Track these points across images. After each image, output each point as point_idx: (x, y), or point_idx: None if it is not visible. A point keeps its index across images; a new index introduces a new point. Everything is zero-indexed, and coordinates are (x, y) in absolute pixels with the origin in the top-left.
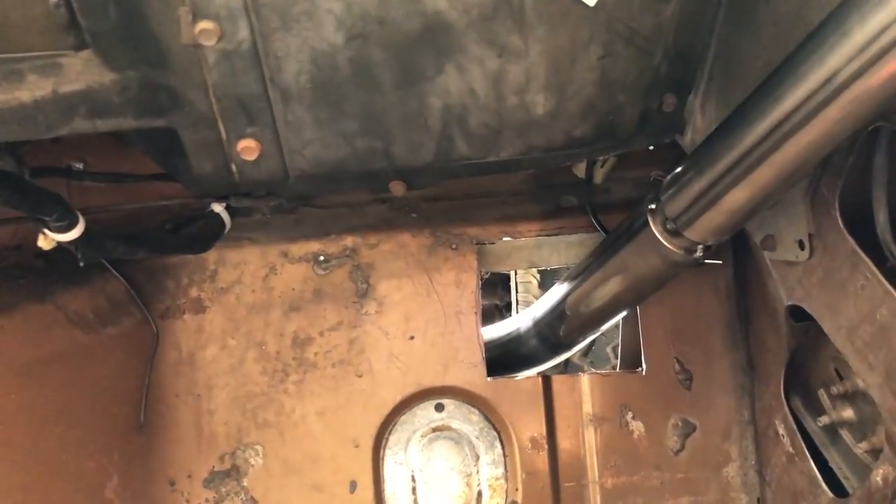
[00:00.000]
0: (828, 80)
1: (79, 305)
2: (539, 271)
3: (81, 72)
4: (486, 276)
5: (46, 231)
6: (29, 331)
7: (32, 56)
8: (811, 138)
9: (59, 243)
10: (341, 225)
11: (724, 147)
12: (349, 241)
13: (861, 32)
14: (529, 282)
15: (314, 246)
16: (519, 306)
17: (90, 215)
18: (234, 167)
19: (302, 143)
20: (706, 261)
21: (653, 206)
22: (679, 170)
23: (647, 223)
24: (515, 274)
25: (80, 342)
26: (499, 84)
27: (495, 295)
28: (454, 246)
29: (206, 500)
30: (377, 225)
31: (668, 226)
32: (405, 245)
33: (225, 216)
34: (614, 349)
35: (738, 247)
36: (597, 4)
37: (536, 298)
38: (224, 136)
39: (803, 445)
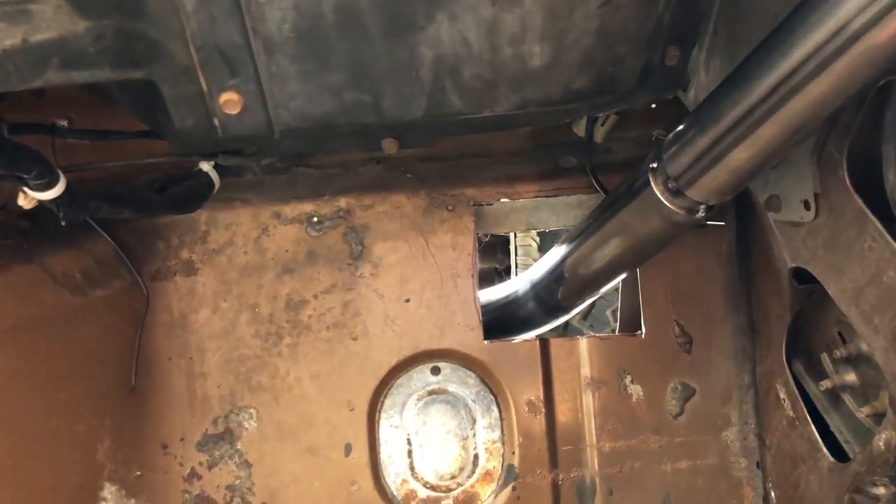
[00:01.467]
0: (838, 32)
1: (66, 267)
2: (539, 234)
3: (53, 19)
4: (486, 240)
5: (26, 189)
6: (15, 292)
7: None
8: (819, 93)
9: (39, 202)
10: (335, 185)
11: (727, 103)
12: (343, 202)
13: None
14: (529, 245)
15: (307, 207)
16: (518, 269)
17: (74, 173)
18: (216, 121)
19: (286, 96)
20: (708, 222)
21: (654, 165)
22: (681, 127)
23: (648, 183)
24: (515, 237)
25: (68, 304)
26: (493, 34)
27: (495, 258)
28: (450, 207)
29: (200, 464)
30: (372, 185)
31: (670, 185)
32: (400, 206)
33: (213, 175)
34: (614, 312)
35: (740, 208)
36: None
37: (534, 241)
38: (205, 88)
39: (804, 409)
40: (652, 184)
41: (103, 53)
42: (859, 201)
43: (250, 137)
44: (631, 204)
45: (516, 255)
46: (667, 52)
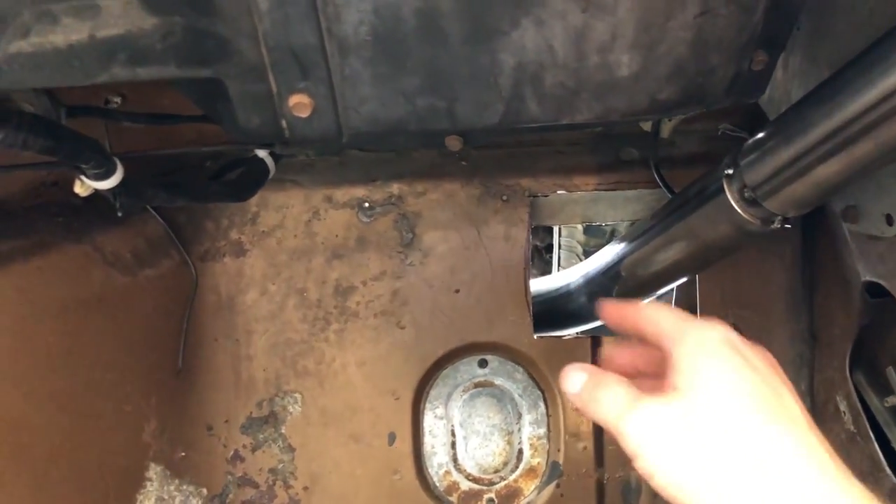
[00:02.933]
0: None
1: (117, 246)
2: None
3: (121, 15)
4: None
5: (83, 178)
6: (66, 271)
7: None
8: None
9: (96, 190)
10: (388, 171)
11: (818, 114)
12: (395, 188)
13: None
14: (574, 226)
15: (359, 192)
16: (562, 251)
17: (127, 158)
18: (284, 123)
19: (358, 100)
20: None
21: (729, 172)
22: (762, 135)
23: (721, 189)
24: None
25: (117, 284)
26: (581, 41)
27: (537, 238)
28: (505, 197)
29: (243, 446)
30: (425, 172)
31: (746, 194)
32: (453, 195)
33: (269, 162)
34: None
35: (807, 213)
36: None
37: (580, 243)
38: (275, 89)
39: (867, 425)
40: (726, 191)
41: (171, 50)
42: None
43: (317, 139)
44: (701, 209)
45: (560, 235)
46: (754, 56)
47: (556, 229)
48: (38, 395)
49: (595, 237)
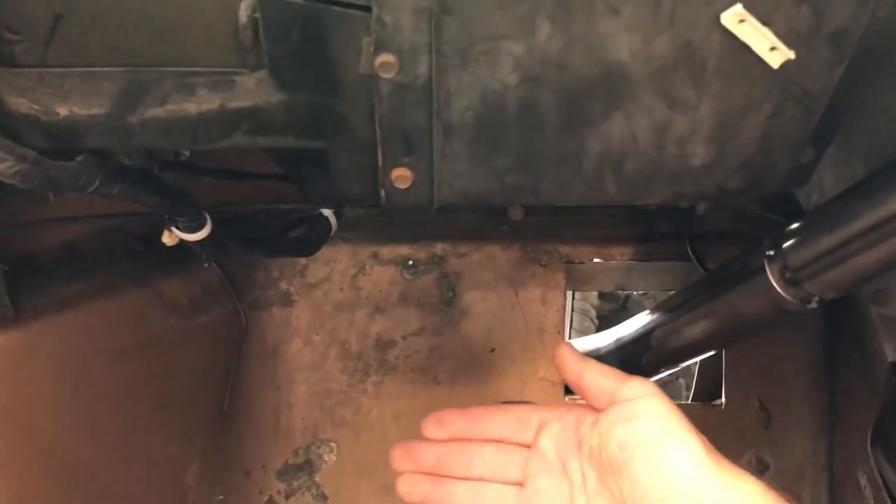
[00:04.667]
0: None
1: (175, 292)
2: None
3: (252, 90)
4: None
5: (174, 229)
6: (128, 314)
7: (208, 72)
8: None
9: (182, 241)
10: (432, 231)
11: (863, 207)
12: (439, 248)
13: None
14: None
15: (404, 250)
16: (574, 314)
17: (212, 209)
18: (382, 192)
19: (453, 175)
20: None
21: (771, 253)
22: (806, 221)
23: (762, 268)
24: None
25: (173, 328)
26: (662, 133)
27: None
28: (543, 262)
29: (278, 492)
30: (468, 234)
31: (787, 275)
32: (494, 257)
33: (332, 220)
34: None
35: None
36: (779, 66)
37: (594, 307)
38: (381, 162)
39: (884, 501)
40: (767, 270)
41: (290, 123)
42: None
43: (410, 208)
44: (740, 286)
45: (573, 298)
46: (804, 150)
47: (570, 292)
48: (95, 433)
49: (609, 302)
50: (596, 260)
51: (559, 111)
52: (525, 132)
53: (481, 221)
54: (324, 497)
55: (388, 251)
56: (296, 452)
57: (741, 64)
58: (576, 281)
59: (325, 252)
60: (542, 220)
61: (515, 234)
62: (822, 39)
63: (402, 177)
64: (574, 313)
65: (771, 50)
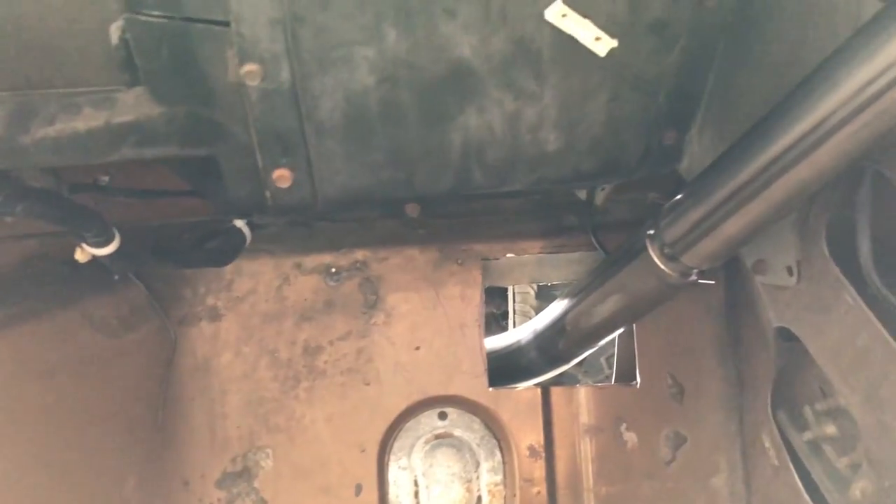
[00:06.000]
0: (817, 126)
1: (103, 312)
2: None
3: (133, 105)
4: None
5: (84, 245)
6: (56, 335)
7: (90, 91)
8: (801, 177)
9: (94, 256)
10: (352, 239)
11: (720, 180)
12: (360, 254)
13: (848, 84)
14: (527, 292)
15: (326, 258)
16: (516, 316)
17: (122, 225)
18: (267, 193)
19: (332, 172)
20: (700, 280)
21: (651, 232)
22: (677, 199)
23: (645, 247)
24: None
25: (103, 347)
26: (514, 123)
27: (492, 304)
28: (460, 261)
29: (218, 500)
30: (387, 240)
31: (666, 251)
32: (413, 259)
33: (246, 231)
34: (608, 359)
35: (729, 267)
36: (607, 54)
37: (533, 308)
38: (261, 164)
39: (788, 459)
40: (649, 249)
41: (173, 134)
42: (836, 269)
43: (296, 207)
44: (629, 266)
45: (514, 301)
46: (665, 134)
47: (510, 296)
48: (29, 452)
49: (547, 301)
50: (510, 255)
51: (418, 107)
52: (391, 128)
53: (399, 227)
54: (263, 502)
55: (310, 261)
56: (233, 461)
57: (573, 54)
58: (492, 276)
59: (249, 265)
60: (456, 222)
61: (432, 236)
62: (643, 28)
63: (282, 177)
64: (516, 315)
65: (596, 40)
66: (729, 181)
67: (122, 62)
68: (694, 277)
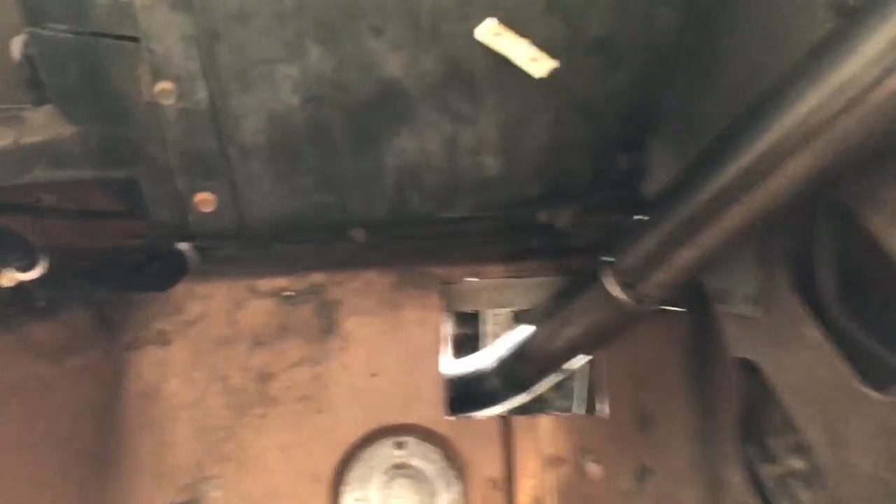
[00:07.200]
0: (770, 150)
1: (43, 336)
2: None
3: (43, 125)
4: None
5: (8, 269)
6: None
7: None
8: (755, 204)
9: (20, 282)
10: (309, 262)
11: (672, 207)
12: (316, 277)
13: (800, 107)
14: (501, 314)
15: (281, 282)
16: (488, 338)
17: (53, 249)
18: (190, 218)
19: (259, 196)
20: (667, 307)
21: (606, 259)
22: (630, 224)
23: (600, 275)
24: None
25: (42, 373)
26: (452, 146)
27: (467, 325)
28: (419, 285)
29: None
30: (344, 262)
31: (622, 279)
32: (371, 283)
33: (190, 255)
34: None
35: (696, 294)
36: (548, 74)
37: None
38: (181, 187)
39: (754, 496)
40: (603, 276)
41: (88, 155)
42: (797, 300)
43: (222, 232)
44: (586, 293)
45: (488, 323)
46: (616, 159)
47: (487, 319)
48: None
49: (525, 324)
50: (470, 279)
51: (347, 129)
52: (320, 151)
53: (357, 249)
54: None
55: (264, 284)
56: (181, 490)
57: (508, 76)
58: (453, 301)
59: (201, 288)
60: (415, 245)
61: (391, 259)
62: (584, 48)
63: (205, 200)
64: (488, 339)
65: (532, 60)
66: (680, 208)
67: (28, 80)
68: (652, 306)
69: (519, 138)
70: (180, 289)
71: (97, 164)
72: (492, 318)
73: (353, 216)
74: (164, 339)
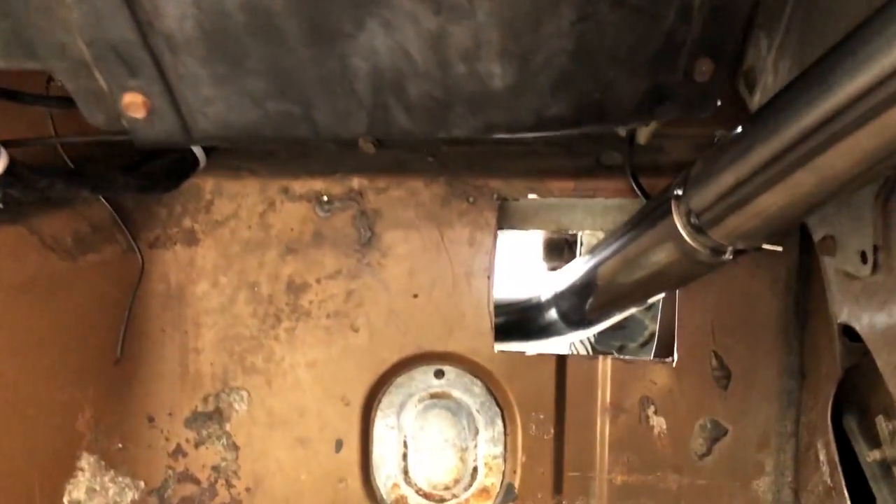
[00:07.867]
0: None
1: (56, 229)
2: None
3: None
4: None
5: None
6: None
7: None
8: (882, 136)
9: None
10: (349, 164)
11: (762, 135)
12: (356, 182)
13: None
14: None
15: (318, 184)
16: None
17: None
18: (125, 123)
19: (201, 101)
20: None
21: (678, 193)
22: (709, 154)
23: (669, 211)
24: None
25: (55, 268)
26: (440, 48)
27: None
28: (471, 199)
29: (186, 440)
30: (389, 167)
31: (692, 220)
32: (417, 193)
33: (199, 152)
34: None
35: (804, 234)
36: None
37: None
38: (105, 87)
39: (843, 482)
40: (674, 214)
41: None
42: None
43: (165, 141)
44: (652, 230)
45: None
46: (695, 66)
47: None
48: None
49: None
50: (532, 196)
51: (297, 19)
52: (267, 47)
53: (405, 152)
54: (235, 447)
55: (299, 185)
56: (205, 400)
57: None
58: (509, 220)
59: (231, 186)
60: (472, 151)
61: (441, 166)
62: None
63: (133, 103)
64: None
65: None
66: (772, 137)
67: None
68: (728, 257)
69: (531, 41)
70: (210, 185)
71: (5, 53)
72: None
73: (324, 131)
74: (191, 239)
